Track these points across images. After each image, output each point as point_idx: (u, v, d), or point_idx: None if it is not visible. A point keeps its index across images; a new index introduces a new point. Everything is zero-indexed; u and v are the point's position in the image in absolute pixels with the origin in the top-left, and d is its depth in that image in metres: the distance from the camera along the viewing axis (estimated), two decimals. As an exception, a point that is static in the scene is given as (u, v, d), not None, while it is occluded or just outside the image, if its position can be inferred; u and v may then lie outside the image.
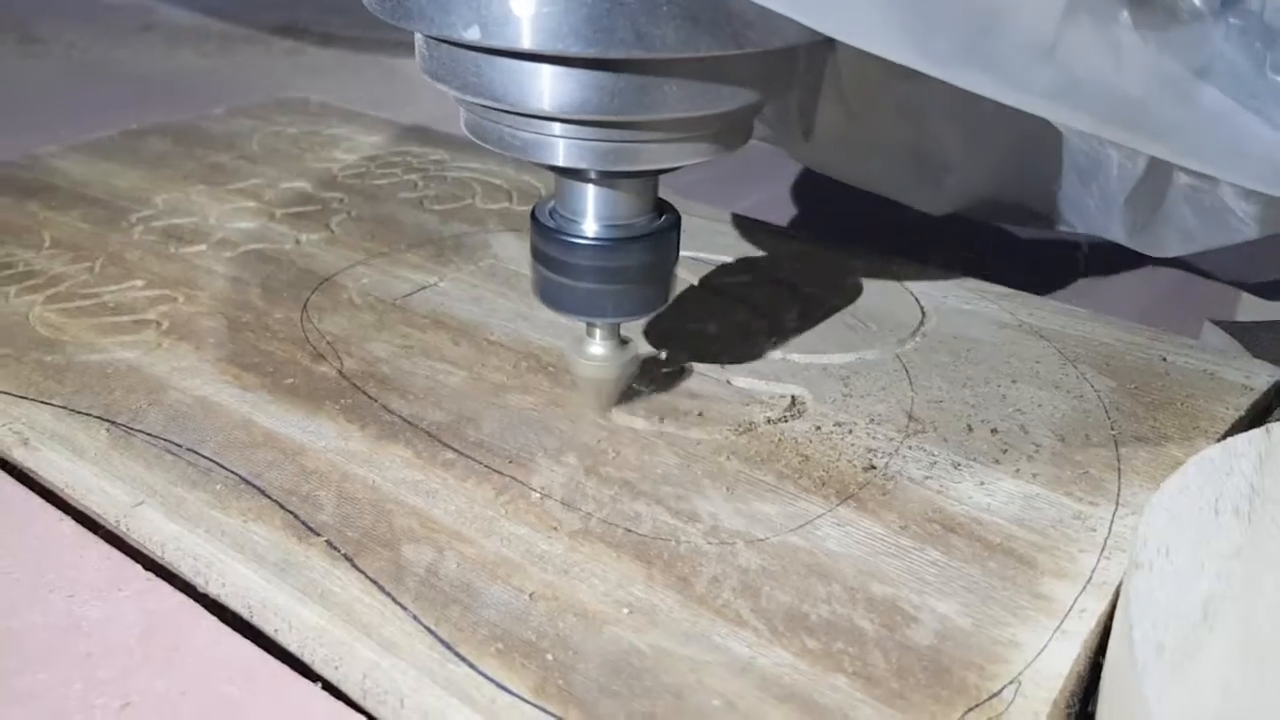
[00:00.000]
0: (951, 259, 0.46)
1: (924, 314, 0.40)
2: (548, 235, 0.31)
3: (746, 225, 0.48)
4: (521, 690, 0.24)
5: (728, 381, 0.36)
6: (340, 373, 0.36)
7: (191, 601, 0.28)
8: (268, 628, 0.27)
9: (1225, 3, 0.30)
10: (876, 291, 0.42)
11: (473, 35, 0.25)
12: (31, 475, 0.33)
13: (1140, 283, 0.50)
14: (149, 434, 0.32)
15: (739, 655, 0.25)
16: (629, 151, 0.28)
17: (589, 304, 0.31)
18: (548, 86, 0.26)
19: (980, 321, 0.40)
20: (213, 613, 0.28)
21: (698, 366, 0.36)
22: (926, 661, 0.25)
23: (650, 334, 0.38)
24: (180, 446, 0.32)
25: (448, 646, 0.25)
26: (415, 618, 0.26)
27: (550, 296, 0.32)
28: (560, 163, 0.28)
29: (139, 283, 0.41)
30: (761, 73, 0.28)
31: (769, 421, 0.34)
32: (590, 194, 0.30)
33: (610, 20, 0.24)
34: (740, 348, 0.38)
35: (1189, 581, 0.24)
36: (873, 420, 0.34)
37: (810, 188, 0.58)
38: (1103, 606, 0.26)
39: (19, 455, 0.33)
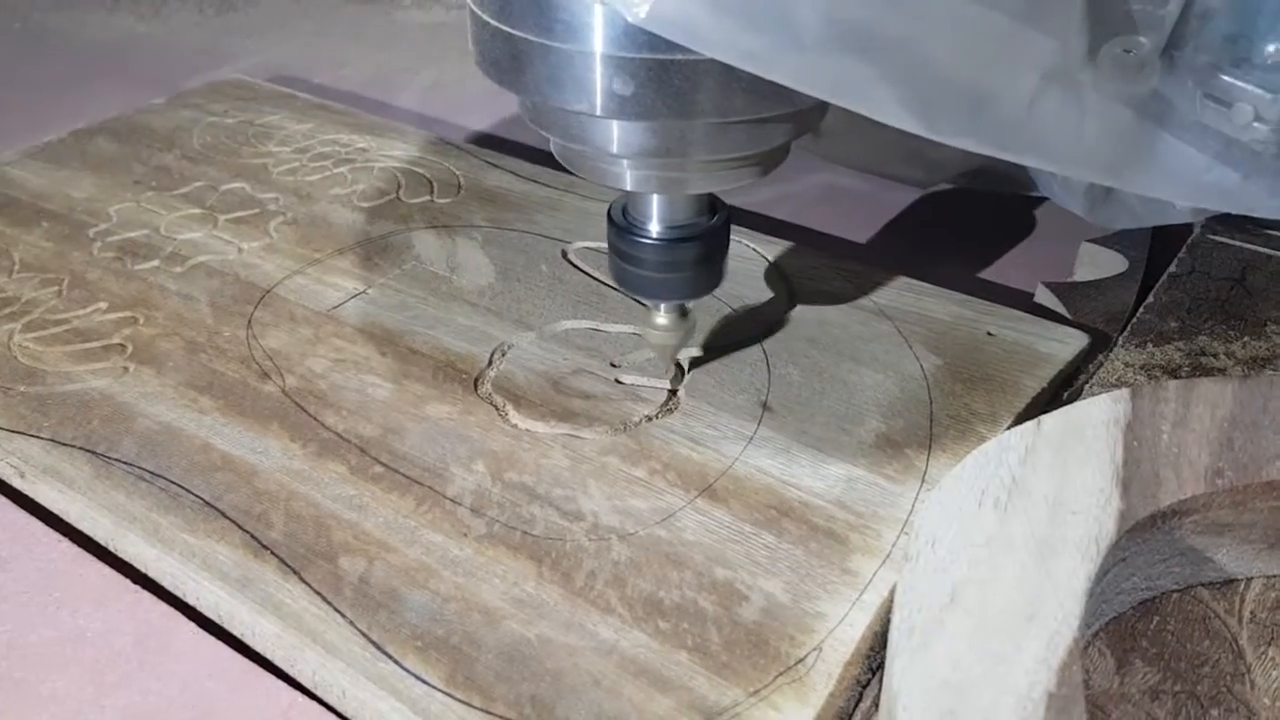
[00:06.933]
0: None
1: (791, 299, 0.46)
2: (620, 233, 0.37)
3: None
4: (435, 681, 0.31)
5: (616, 380, 0.42)
6: (283, 391, 0.42)
7: (174, 610, 0.35)
8: (236, 632, 0.34)
9: (1166, 48, 0.36)
10: (753, 275, 0.48)
11: (583, 108, 0.31)
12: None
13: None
14: (125, 462, 0.39)
15: (606, 639, 0.32)
16: (678, 181, 0.35)
17: (654, 289, 0.38)
18: (618, 136, 0.33)
19: (837, 305, 0.46)
20: (192, 617, 0.35)
21: (590, 365, 0.43)
22: (752, 635, 0.32)
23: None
24: (152, 474, 0.38)
25: (377, 647, 0.32)
26: (351, 623, 0.32)
27: (623, 281, 0.39)
28: (629, 188, 0.35)
29: (103, 305, 0.47)
30: (792, 125, 0.34)
31: (648, 419, 0.40)
32: (653, 202, 0.37)
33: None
34: (627, 343, 0.44)
35: (946, 569, 0.31)
36: (733, 412, 0.40)
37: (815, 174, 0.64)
38: (895, 578, 0.33)
39: (18, 485, 0.39)
